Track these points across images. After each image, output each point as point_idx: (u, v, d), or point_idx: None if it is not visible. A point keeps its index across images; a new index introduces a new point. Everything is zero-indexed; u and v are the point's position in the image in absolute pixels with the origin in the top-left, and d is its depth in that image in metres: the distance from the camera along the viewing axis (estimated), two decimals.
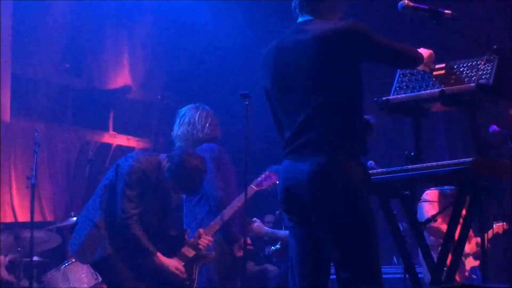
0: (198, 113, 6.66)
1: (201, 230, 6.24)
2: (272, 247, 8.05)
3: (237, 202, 6.37)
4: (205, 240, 6.21)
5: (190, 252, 6.16)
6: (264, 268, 8.22)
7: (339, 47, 3.94)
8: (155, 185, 5.94)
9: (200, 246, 6.18)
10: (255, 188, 6.53)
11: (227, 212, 6.34)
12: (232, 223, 6.44)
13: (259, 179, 6.58)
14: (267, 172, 6.62)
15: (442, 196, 7.36)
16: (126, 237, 5.79)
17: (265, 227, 7.89)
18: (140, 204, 5.84)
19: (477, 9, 8.77)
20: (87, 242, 5.87)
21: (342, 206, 3.89)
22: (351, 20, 4.01)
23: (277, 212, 8.17)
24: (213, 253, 6.32)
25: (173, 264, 5.99)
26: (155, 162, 5.97)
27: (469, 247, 7.65)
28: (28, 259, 7.37)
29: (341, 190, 3.88)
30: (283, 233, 7.84)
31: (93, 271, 7.35)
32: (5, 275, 7.63)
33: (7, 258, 7.67)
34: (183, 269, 6.04)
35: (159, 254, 5.90)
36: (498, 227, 7.31)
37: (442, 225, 7.54)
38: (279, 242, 7.96)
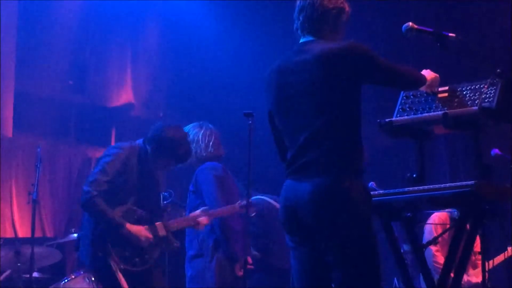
0: (202, 131, 6.67)
1: (181, 219, 6.27)
2: None
3: (226, 210, 6.35)
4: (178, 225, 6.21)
5: (162, 231, 6.05)
6: None
7: (340, 68, 3.95)
8: (137, 170, 5.94)
9: (173, 228, 6.15)
10: (238, 208, 6.45)
11: (214, 212, 6.33)
12: (234, 242, 6.43)
13: (244, 203, 6.42)
14: (251, 201, 6.45)
15: (451, 219, 7.36)
16: (93, 215, 5.79)
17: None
18: (112, 182, 5.83)
19: (483, 33, 8.79)
20: (92, 248, 5.87)
21: (345, 227, 3.89)
22: (353, 41, 4.02)
23: None
24: (178, 243, 6.24)
25: (140, 231, 5.90)
26: (137, 149, 6.00)
27: (474, 273, 7.63)
28: (28, 275, 7.36)
29: (344, 212, 3.88)
30: None
31: None
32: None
33: (4, 275, 7.65)
34: (150, 236, 5.95)
35: (127, 225, 5.84)
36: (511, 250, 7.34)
37: (439, 259, 7.53)
38: None
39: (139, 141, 6.07)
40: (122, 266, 5.82)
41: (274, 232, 7.56)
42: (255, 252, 7.77)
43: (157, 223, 6.05)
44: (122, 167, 5.86)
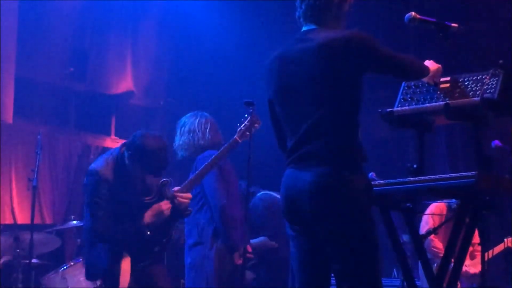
0: (197, 120, 6.66)
1: (177, 190, 6.12)
2: None
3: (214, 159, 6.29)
4: (184, 199, 6.12)
5: (166, 205, 6.03)
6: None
7: (343, 57, 3.93)
8: (120, 181, 5.91)
9: (177, 201, 6.08)
10: (239, 140, 6.28)
11: (204, 169, 6.26)
12: (233, 231, 6.43)
13: (242, 128, 6.28)
14: (249, 118, 6.30)
15: (448, 209, 7.38)
16: (113, 244, 5.83)
17: None
18: (107, 207, 5.82)
19: (485, 24, 8.78)
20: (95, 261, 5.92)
21: (345, 217, 3.88)
22: (356, 30, 4.01)
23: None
24: (190, 210, 6.22)
25: (156, 209, 5.95)
26: (111, 163, 5.93)
27: (472, 264, 7.65)
28: (27, 261, 7.37)
29: (345, 202, 3.87)
30: (255, 241, 7.83)
31: None
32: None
33: (2, 260, 7.67)
34: (167, 205, 5.98)
35: (145, 217, 5.90)
36: (510, 241, 7.33)
37: (437, 243, 7.55)
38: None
39: (115, 151, 6.03)
40: (139, 265, 5.90)
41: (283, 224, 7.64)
42: (272, 242, 7.83)
43: (161, 203, 6.05)
44: (107, 188, 5.83)
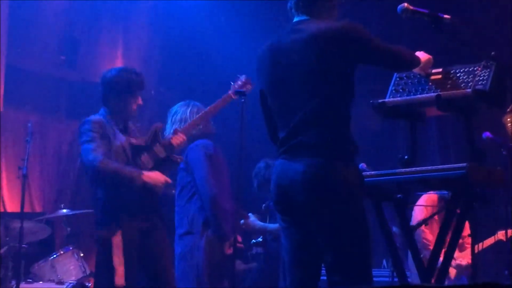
0: (189, 109, 6.66)
1: (177, 129, 6.21)
2: (253, 240, 8.04)
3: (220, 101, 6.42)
4: (179, 138, 6.15)
5: (161, 153, 6.03)
6: (251, 267, 8.22)
7: (335, 47, 3.93)
8: (113, 133, 5.90)
9: (173, 144, 6.10)
10: (233, 96, 6.41)
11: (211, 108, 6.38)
12: (223, 221, 6.42)
13: (236, 86, 6.44)
14: (243, 79, 6.48)
15: (440, 200, 7.37)
16: (107, 178, 5.72)
17: (257, 222, 7.90)
18: (105, 146, 5.80)
19: (478, 16, 8.77)
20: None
21: (337, 208, 3.89)
22: (348, 21, 4.01)
23: (264, 205, 8.17)
24: (182, 157, 6.24)
25: (157, 177, 5.88)
26: (99, 118, 5.94)
27: (460, 255, 7.65)
28: (17, 250, 7.35)
29: (337, 192, 3.88)
30: (272, 226, 7.84)
31: (81, 264, 7.34)
32: None
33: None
34: (164, 180, 5.93)
35: (144, 172, 5.81)
36: (501, 234, 7.33)
37: (428, 235, 7.55)
38: (261, 236, 7.97)
39: (95, 115, 6.03)
40: (134, 224, 5.81)
41: None
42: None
43: (155, 147, 6.01)
44: (103, 132, 5.82)
